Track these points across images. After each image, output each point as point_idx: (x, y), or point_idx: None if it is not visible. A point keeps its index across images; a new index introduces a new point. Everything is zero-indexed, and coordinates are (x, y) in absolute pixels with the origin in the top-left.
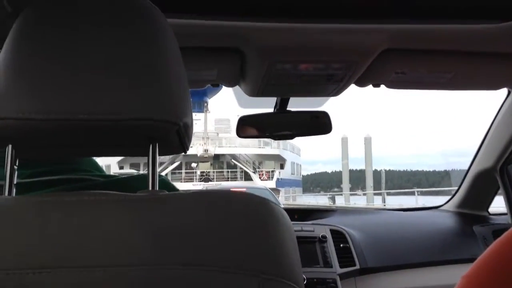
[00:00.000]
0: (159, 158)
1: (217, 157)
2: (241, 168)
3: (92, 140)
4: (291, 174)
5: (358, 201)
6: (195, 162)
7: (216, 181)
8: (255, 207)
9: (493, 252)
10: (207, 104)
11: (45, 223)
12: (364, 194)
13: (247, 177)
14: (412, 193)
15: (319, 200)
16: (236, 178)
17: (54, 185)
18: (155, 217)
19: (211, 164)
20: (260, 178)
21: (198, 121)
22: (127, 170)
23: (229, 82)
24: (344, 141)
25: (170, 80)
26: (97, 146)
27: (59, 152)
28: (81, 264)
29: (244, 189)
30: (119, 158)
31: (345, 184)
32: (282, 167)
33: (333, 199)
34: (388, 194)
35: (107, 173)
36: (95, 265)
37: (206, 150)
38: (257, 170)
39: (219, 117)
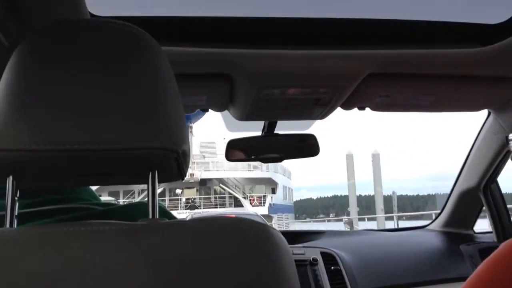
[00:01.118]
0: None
1: (203, 182)
2: (230, 194)
3: (91, 169)
4: (283, 199)
5: (368, 227)
6: (179, 188)
7: (203, 208)
8: (257, 235)
9: (482, 273)
10: (192, 128)
11: (47, 255)
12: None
13: (237, 203)
14: (401, 218)
15: (330, 227)
16: (225, 204)
17: (53, 215)
18: (157, 247)
19: (197, 190)
20: (251, 203)
21: None
22: (105, 198)
23: (219, 107)
24: (349, 158)
25: (167, 108)
26: (96, 175)
27: (59, 182)
28: None
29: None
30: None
31: (353, 207)
32: (273, 191)
33: (350, 224)
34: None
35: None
36: None
37: (192, 175)
38: (248, 195)
39: (204, 141)
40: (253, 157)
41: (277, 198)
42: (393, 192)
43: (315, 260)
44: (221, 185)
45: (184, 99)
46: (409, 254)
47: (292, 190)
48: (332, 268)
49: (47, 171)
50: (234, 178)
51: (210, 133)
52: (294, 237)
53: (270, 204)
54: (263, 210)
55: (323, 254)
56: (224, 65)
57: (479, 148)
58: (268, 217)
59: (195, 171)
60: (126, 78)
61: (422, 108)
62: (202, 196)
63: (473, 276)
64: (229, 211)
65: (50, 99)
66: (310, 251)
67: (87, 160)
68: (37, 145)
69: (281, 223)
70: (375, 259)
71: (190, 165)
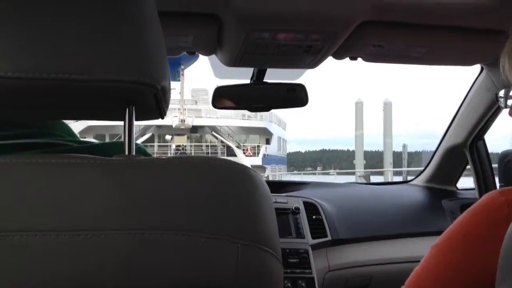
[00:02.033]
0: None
1: (195, 129)
2: (222, 143)
3: (65, 101)
4: (277, 150)
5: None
6: (169, 135)
7: None
8: (234, 174)
9: (460, 226)
10: (183, 71)
11: (22, 185)
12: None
13: (230, 153)
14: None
15: (337, 180)
16: (217, 153)
17: (24, 149)
18: (133, 181)
19: (187, 138)
20: (244, 153)
21: (173, 90)
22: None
23: (206, 50)
24: (359, 107)
25: (147, 41)
26: (72, 108)
27: (32, 114)
28: (59, 227)
29: None
30: (81, 127)
31: (359, 160)
32: (268, 142)
33: (367, 178)
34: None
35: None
36: (74, 229)
37: (182, 121)
38: (241, 144)
39: (196, 87)
40: (241, 105)
41: (272, 149)
42: (404, 145)
43: (297, 209)
44: (213, 133)
45: (169, 39)
46: (391, 207)
47: (286, 141)
48: (313, 217)
49: (15, 101)
50: (227, 126)
51: (202, 81)
52: (278, 186)
53: (264, 155)
54: (256, 161)
55: (306, 204)
56: (212, 4)
57: (469, 104)
58: (262, 168)
59: (186, 118)
60: (102, 7)
61: (415, 60)
62: (193, 144)
63: (454, 225)
64: None
65: (20, 26)
66: (292, 200)
67: (57, 91)
68: (6, 72)
69: (274, 175)
70: (356, 211)
71: (181, 111)
